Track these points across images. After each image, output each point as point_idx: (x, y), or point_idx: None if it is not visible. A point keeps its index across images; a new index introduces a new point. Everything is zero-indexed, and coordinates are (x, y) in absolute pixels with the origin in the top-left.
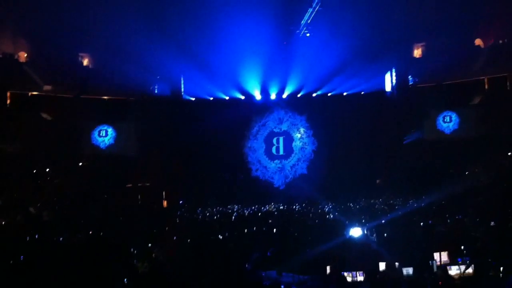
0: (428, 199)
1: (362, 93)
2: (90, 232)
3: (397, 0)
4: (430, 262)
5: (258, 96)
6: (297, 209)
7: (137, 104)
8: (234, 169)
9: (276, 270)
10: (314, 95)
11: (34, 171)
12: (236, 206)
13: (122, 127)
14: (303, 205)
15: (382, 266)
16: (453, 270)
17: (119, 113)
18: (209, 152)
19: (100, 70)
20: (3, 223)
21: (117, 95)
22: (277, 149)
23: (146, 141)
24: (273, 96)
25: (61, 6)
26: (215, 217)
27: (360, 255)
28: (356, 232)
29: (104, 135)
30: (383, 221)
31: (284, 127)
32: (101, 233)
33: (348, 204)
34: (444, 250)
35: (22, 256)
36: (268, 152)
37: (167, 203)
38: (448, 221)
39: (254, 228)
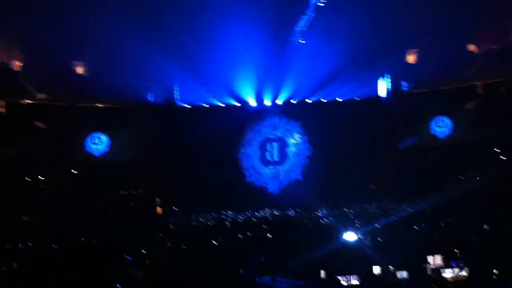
0: (422, 204)
1: (357, 99)
2: (86, 240)
3: (391, 6)
4: (424, 265)
5: (253, 102)
6: (291, 215)
7: (132, 112)
8: (228, 175)
9: (271, 276)
10: (308, 101)
11: (28, 179)
12: (230, 212)
13: (117, 135)
14: (298, 210)
15: (376, 270)
16: (447, 273)
17: (114, 121)
18: (204, 159)
19: (93, 78)
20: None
21: (111, 103)
22: (272, 155)
23: (140, 148)
24: (267, 102)
25: (56, 14)
26: (210, 223)
27: (354, 259)
28: (350, 236)
29: (98, 142)
30: (377, 225)
31: (278, 133)
32: (96, 240)
33: (343, 209)
34: (438, 254)
35: (14, 264)
36: (262, 158)
37: (162, 210)
38: (443, 225)
39: (249, 234)
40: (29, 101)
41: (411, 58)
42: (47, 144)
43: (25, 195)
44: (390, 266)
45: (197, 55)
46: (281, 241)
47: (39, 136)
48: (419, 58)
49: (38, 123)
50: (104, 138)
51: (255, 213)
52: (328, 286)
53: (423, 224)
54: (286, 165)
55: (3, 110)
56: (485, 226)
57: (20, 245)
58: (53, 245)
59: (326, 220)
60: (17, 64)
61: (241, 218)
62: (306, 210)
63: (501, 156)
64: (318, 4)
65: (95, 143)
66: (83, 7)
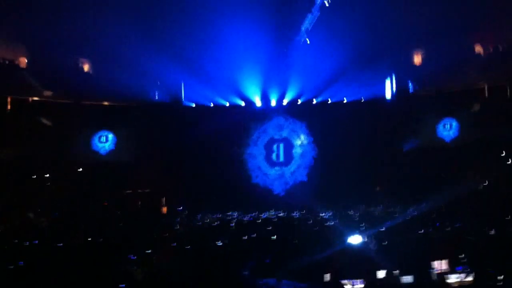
0: (427, 207)
1: (362, 100)
2: (89, 238)
3: (397, 6)
4: (429, 270)
5: (258, 102)
6: (296, 216)
7: (138, 110)
8: (234, 175)
9: (276, 277)
10: (314, 101)
11: (34, 177)
12: (235, 213)
13: (123, 133)
14: (303, 212)
15: (381, 274)
16: (452, 279)
17: (120, 119)
18: (209, 159)
19: (100, 76)
20: (2, 228)
21: (117, 101)
22: (277, 155)
23: (146, 147)
24: (273, 102)
25: (61, 11)
26: (215, 224)
27: (359, 262)
28: (355, 239)
29: (104, 141)
30: (382, 228)
31: (284, 133)
32: (101, 239)
33: (348, 211)
34: (444, 258)
35: (21, 262)
36: (268, 159)
37: (167, 210)
38: (448, 228)
39: (254, 235)
40: (33, 99)
41: (416, 59)
42: (50, 142)
43: (28, 193)
44: (395, 271)
45: (203, 54)
46: (286, 243)
47: (43, 134)
48: (425, 59)
49: (44, 120)
50: (110, 136)
51: (260, 214)
52: None
53: (429, 229)
54: (292, 166)
55: (7, 108)
56: (492, 232)
57: (23, 244)
58: (56, 244)
59: (331, 222)
60: (23, 61)
61: (246, 219)
62: (311, 212)
63: (507, 158)
64: (324, 3)
65: (101, 142)
66: (88, 6)
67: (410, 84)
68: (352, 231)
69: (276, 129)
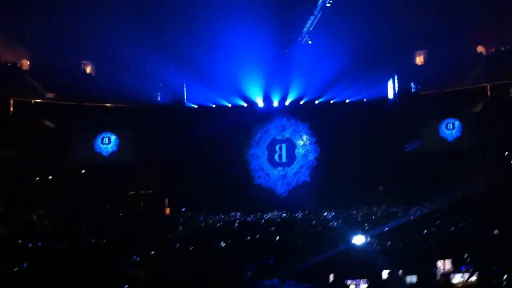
0: (430, 207)
1: (364, 100)
2: (92, 239)
3: (399, 7)
4: (433, 270)
5: (260, 103)
6: (299, 217)
7: (140, 112)
8: (236, 176)
9: (279, 278)
10: (316, 102)
11: (37, 178)
12: (238, 214)
13: (125, 135)
14: (306, 212)
15: (385, 274)
16: (457, 278)
17: (122, 121)
18: (212, 160)
19: (102, 77)
20: (5, 229)
21: (120, 102)
22: (280, 156)
23: (148, 148)
24: (275, 103)
25: (64, 14)
26: (218, 225)
27: (363, 263)
28: (359, 240)
29: (107, 142)
30: (385, 229)
31: (286, 134)
32: (103, 240)
33: (351, 212)
34: (448, 258)
35: (25, 264)
36: (270, 160)
37: (170, 211)
38: (451, 228)
39: (257, 236)
40: (35, 100)
41: (418, 60)
42: (53, 144)
43: (30, 195)
44: (399, 271)
45: (205, 56)
46: (289, 243)
47: (45, 135)
48: (427, 60)
49: (46, 122)
50: (113, 137)
51: (263, 215)
52: None
53: (432, 228)
54: (294, 167)
55: (10, 109)
56: (495, 232)
57: (26, 245)
58: (59, 245)
59: (334, 223)
60: (26, 64)
61: (249, 220)
62: (314, 212)
63: (507, 158)
64: (326, 5)
65: (103, 143)
66: (90, 9)
67: (412, 85)
68: (355, 232)
69: (278, 129)
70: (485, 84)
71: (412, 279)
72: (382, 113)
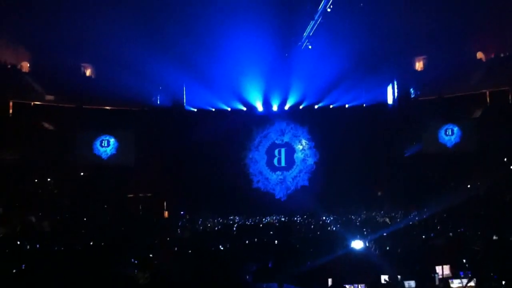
0: (429, 212)
1: (364, 105)
2: (91, 242)
3: (398, 13)
4: (432, 275)
5: (260, 107)
6: (298, 221)
7: (139, 114)
8: (235, 180)
9: (278, 282)
10: (316, 107)
11: (36, 181)
12: (237, 217)
13: (124, 137)
14: (304, 217)
15: (384, 278)
16: (455, 283)
17: (121, 123)
18: (211, 163)
19: (102, 80)
20: (4, 230)
21: (119, 105)
22: (279, 160)
23: (147, 151)
24: (275, 107)
25: (64, 16)
26: (216, 228)
27: (361, 267)
28: (357, 244)
29: (106, 145)
30: (384, 233)
31: (286, 138)
32: (102, 243)
33: (350, 216)
34: (446, 263)
35: (23, 265)
36: (269, 164)
37: (168, 214)
38: (450, 233)
39: (255, 240)
40: (35, 103)
41: (418, 65)
42: (52, 146)
43: (29, 196)
44: (398, 276)
45: (205, 59)
46: (288, 247)
47: (45, 138)
48: (427, 65)
49: (46, 124)
50: (112, 140)
51: (262, 219)
52: None
53: (431, 234)
54: (293, 171)
55: (10, 111)
56: (494, 237)
57: (24, 247)
58: (58, 247)
59: (333, 227)
60: (26, 66)
61: (248, 223)
62: (313, 216)
63: (506, 164)
64: (326, 9)
65: (102, 146)
66: (92, 11)
67: (411, 90)
68: (354, 236)
69: (277, 134)
70: (484, 90)
71: (410, 284)
72: (381, 118)
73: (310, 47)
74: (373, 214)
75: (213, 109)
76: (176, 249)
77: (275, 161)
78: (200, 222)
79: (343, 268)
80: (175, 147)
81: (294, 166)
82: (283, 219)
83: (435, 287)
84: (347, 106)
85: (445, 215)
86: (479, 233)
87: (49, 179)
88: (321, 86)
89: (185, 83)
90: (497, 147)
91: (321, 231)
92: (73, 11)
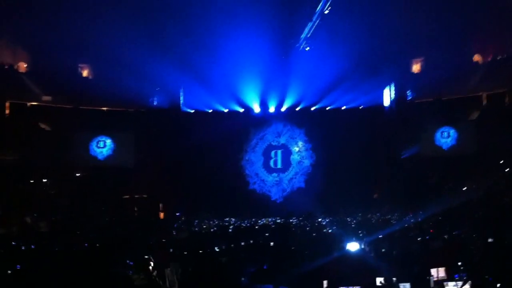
0: (425, 214)
1: (361, 107)
2: (86, 244)
3: (396, 15)
4: (427, 277)
5: (256, 109)
6: (294, 223)
7: (136, 116)
8: (231, 181)
9: (273, 284)
10: (312, 108)
11: (32, 181)
12: (233, 219)
13: (121, 138)
14: (300, 218)
15: (379, 281)
16: (450, 287)
17: (118, 124)
18: (207, 165)
19: (99, 81)
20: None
21: (116, 106)
22: (275, 162)
23: (144, 152)
24: (271, 109)
25: (61, 17)
26: (212, 230)
27: (357, 269)
28: (353, 246)
29: (102, 146)
30: (380, 235)
31: (282, 140)
32: (98, 244)
33: (346, 218)
34: (442, 266)
35: (18, 266)
36: (266, 165)
37: (164, 215)
38: (446, 236)
39: (251, 241)
40: (31, 103)
41: (415, 67)
42: (48, 147)
43: (25, 197)
44: (393, 278)
45: (202, 60)
46: (284, 249)
47: (41, 138)
48: (424, 67)
49: (42, 125)
50: (108, 141)
51: (258, 220)
52: None
53: (426, 237)
54: (290, 173)
55: (6, 112)
56: (489, 240)
57: (19, 248)
58: (53, 248)
59: (329, 229)
60: (22, 66)
61: (244, 225)
62: (309, 218)
63: (504, 166)
64: (324, 11)
65: (99, 147)
66: (90, 12)
67: (408, 92)
68: (350, 238)
69: (274, 135)
70: (481, 93)
71: (406, 286)
72: (378, 120)
73: (307, 48)
74: (369, 216)
75: (210, 111)
76: (171, 250)
77: (272, 162)
78: (196, 223)
79: (339, 270)
80: (172, 149)
81: (291, 168)
82: (278, 221)
83: None
84: (343, 108)
85: (440, 218)
86: (475, 235)
87: (44, 180)
88: (319, 88)
89: (182, 84)
90: (494, 149)
91: (317, 233)
92: (70, 11)
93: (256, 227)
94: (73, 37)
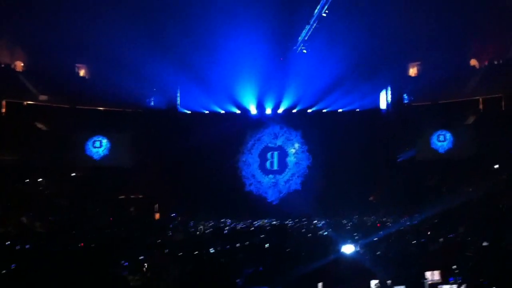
0: (421, 217)
1: (357, 110)
2: (82, 244)
3: (393, 19)
4: (422, 280)
5: (253, 110)
6: (290, 224)
7: (133, 116)
8: (228, 183)
9: (269, 286)
10: (309, 111)
11: (27, 181)
12: (229, 220)
13: (117, 139)
14: (296, 220)
15: (374, 283)
16: None
17: (115, 125)
18: (204, 166)
19: (96, 81)
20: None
21: (113, 106)
22: (272, 164)
23: (140, 153)
24: (268, 111)
25: (58, 16)
26: (208, 231)
27: (352, 272)
28: (348, 249)
29: (98, 146)
30: (375, 238)
31: (279, 142)
32: (93, 245)
33: (341, 221)
34: (437, 269)
35: (13, 265)
36: (262, 167)
37: (160, 216)
38: (441, 239)
39: (247, 243)
40: (28, 102)
41: (412, 71)
42: (44, 146)
43: (21, 197)
44: (388, 281)
45: (200, 62)
46: (279, 251)
47: (37, 138)
48: (421, 71)
49: (39, 125)
50: (104, 141)
51: (254, 222)
52: None
53: (422, 239)
54: (286, 175)
55: (2, 111)
56: (484, 243)
57: (14, 248)
58: (51, 248)
59: (325, 231)
60: (19, 65)
61: (239, 226)
62: (305, 220)
63: (499, 170)
64: (322, 14)
65: (95, 147)
66: (87, 12)
67: (405, 95)
68: (346, 240)
69: (271, 137)
70: (477, 97)
71: None
72: (375, 123)
73: (305, 51)
74: (365, 218)
75: (207, 112)
76: (167, 251)
77: (268, 164)
78: (191, 224)
79: (334, 272)
80: (168, 149)
81: (287, 170)
82: (274, 222)
83: None
84: (340, 110)
85: (436, 221)
86: (470, 238)
87: (40, 180)
88: (315, 91)
89: (179, 85)
90: (490, 153)
91: (312, 235)
92: (67, 11)
93: (252, 228)
94: (71, 36)
